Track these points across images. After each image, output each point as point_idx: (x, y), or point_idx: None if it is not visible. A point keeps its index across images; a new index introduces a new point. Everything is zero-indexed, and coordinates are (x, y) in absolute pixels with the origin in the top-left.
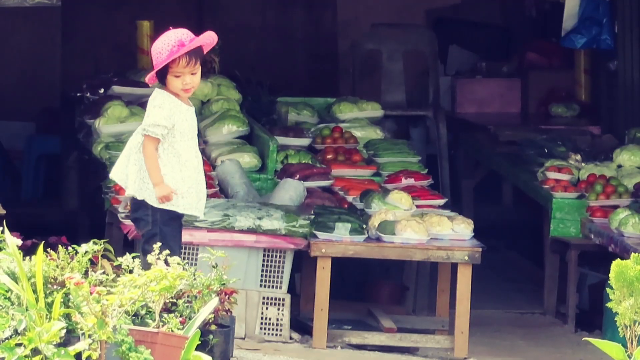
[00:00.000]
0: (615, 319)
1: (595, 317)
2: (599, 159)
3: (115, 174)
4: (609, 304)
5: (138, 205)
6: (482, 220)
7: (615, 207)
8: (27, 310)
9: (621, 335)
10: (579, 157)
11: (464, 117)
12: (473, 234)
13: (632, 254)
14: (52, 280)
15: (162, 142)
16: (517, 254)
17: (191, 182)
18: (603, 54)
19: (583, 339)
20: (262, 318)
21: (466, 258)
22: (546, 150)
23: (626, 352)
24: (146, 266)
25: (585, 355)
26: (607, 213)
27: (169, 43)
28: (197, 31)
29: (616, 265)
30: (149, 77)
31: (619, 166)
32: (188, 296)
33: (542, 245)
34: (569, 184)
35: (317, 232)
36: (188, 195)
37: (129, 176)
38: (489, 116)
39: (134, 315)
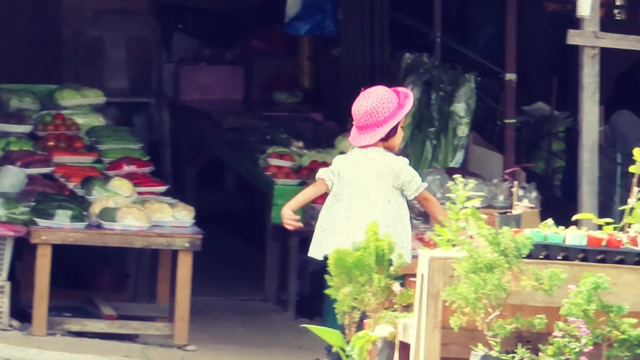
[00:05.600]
0: (334, 305)
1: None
2: (321, 146)
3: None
4: (327, 291)
5: None
6: (205, 207)
7: None
8: None
9: (340, 322)
10: (301, 143)
11: (187, 104)
12: (194, 220)
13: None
14: None
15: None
16: (239, 240)
17: None
18: (326, 40)
19: (301, 325)
20: None
21: (187, 245)
22: (268, 137)
23: (344, 338)
24: None
25: (305, 342)
26: None
27: (389, 99)
28: None
29: (335, 252)
30: (375, 138)
31: (341, 153)
32: None
33: (265, 232)
34: (290, 171)
35: (37, 219)
36: None
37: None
38: (212, 103)
39: None
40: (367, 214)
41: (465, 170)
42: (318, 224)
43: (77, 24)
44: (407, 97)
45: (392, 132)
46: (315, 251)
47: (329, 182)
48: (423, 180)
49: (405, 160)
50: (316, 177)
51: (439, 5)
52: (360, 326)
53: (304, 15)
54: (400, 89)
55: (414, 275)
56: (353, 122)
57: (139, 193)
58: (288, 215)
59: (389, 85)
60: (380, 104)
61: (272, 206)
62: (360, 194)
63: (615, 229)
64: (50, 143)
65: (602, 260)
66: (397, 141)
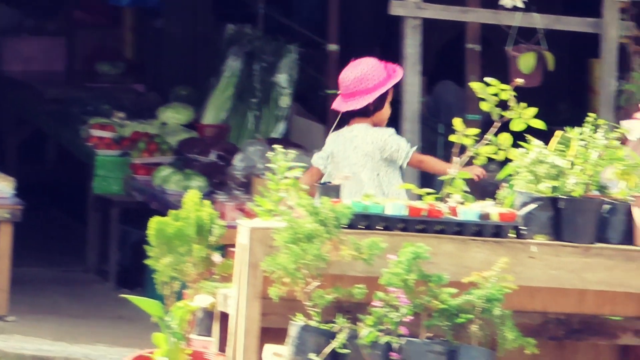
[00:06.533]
0: (154, 275)
1: (137, 275)
2: (143, 117)
3: None
4: (147, 261)
5: None
6: (26, 178)
7: (159, 164)
8: None
9: (159, 292)
10: (122, 114)
11: (9, 74)
12: (15, 191)
13: (171, 211)
14: None
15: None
16: (60, 211)
17: None
18: (149, 11)
19: (121, 295)
20: None
21: (7, 216)
22: (90, 108)
23: (164, 308)
24: None
25: (125, 312)
26: (150, 170)
27: (379, 68)
28: None
29: (155, 222)
30: (362, 103)
31: (164, 124)
32: None
33: (86, 203)
34: (112, 142)
35: None
36: None
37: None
38: (34, 74)
39: None
40: (358, 195)
41: (287, 140)
42: None
43: None
44: (396, 70)
45: (380, 105)
46: None
47: (322, 168)
48: (244, 151)
49: (390, 131)
50: (311, 164)
51: None
52: (180, 296)
53: None
54: (389, 63)
55: (234, 246)
56: (339, 91)
57: None
58: None
59: (210, 57)
60: (371, 71)
61: (94, 177)
62: (348, 173)
63: (435, 199)
64: None
65: (423, 230)
66: (385, 115)
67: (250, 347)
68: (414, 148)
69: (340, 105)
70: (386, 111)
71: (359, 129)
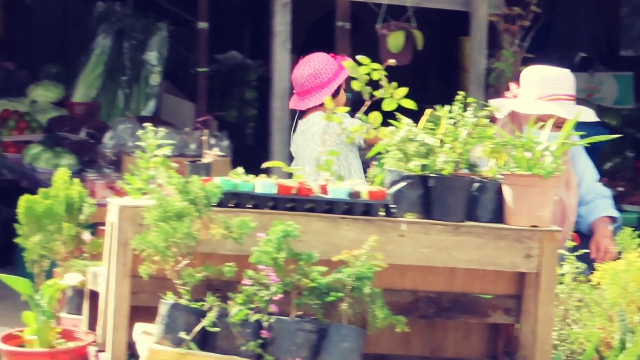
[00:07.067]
0: (24, 253)
1: (7, 253)
2: (13, 95)
3: None
4: (17, 239)
5: None
6: None
7: (29, 142)
8: None
9: (29, 270)
10: None
11: None
12: None
13: (41, 189)
14: None
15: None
16: None
17: None
18: None
19: None
20: None
21: None
22: None
23: (34, 286)
24: None
25: None
26: (20, 148)
27: (330, 62)
28: None
29: (25, 200)
30: (321, 99)
31: (33, 102)
32: None
33: None
34: None
35: None
36: None
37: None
38: None
39: None
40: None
41: (157, 118)
42: None
43: None
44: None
45: (335, 92)
46: None
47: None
48: (114, 129)
49: (344, 113)
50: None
51: None
52: (50, 275)
53: None
54: (337, 56)
55: (104, 224)
56: (293, 90)
57: None
58: None
59: (80, 35)
60: (323, 66)
61: None
62: (309, 162)
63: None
64: None
65: (292, 209)
66: (341, 101)
67: (120, 326)
68: (370, 127)
69: (297, 104)
70: (342, 97)
71: (315, 117)
